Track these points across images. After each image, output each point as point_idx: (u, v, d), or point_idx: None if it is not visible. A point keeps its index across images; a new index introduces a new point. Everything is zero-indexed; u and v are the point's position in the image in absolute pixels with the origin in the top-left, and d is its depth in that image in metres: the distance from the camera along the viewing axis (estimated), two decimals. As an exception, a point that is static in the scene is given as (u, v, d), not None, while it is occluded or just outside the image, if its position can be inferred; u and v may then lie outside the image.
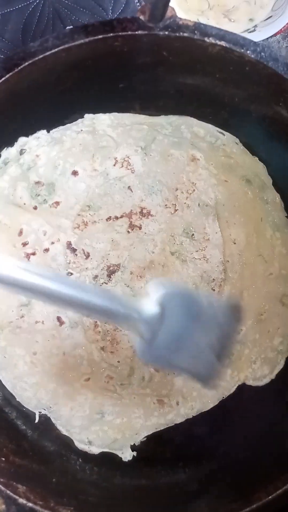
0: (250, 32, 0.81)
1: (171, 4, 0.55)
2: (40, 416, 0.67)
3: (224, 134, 0.70)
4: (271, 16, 0.82)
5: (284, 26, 0.79)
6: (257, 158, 0.71)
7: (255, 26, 0.83)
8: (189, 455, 0.68)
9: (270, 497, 0.54)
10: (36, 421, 0.67)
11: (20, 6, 0.83)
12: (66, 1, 0.84)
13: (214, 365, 0.59)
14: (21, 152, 0.68)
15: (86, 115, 0.68)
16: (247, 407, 0.70)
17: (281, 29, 0.79)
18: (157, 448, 0.68)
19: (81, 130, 0.69)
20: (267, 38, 0.80)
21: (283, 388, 0.70)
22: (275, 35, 0.80)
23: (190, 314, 0.56)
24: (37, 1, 0.84)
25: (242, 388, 0.71)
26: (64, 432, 0.67)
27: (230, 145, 0.71)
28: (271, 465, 0.59)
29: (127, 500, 0.64)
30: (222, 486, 0.62)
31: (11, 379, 0.67)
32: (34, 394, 0.67)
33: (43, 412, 0.67)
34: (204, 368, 0.59)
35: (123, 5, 0.84)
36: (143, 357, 0.56)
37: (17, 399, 0.67)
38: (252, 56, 0.57)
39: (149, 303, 0.52)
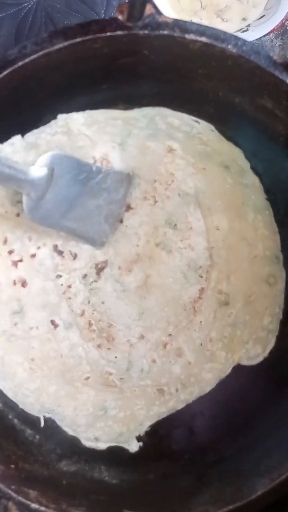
0: (243, 31, 0.82)
1: (163, 4, 0.55)
2: (45, 420, 0.69)
3: (199, 123, 0.71)
4: (264, 15, 0.83)
5: (277, 24, 0.80)
6: (231, 143, 0.72)
7: (248, 25, 0.83)
8: (194, 448, 0.71)
9: (274, 484, 0.57)
10: (42, 425, 0.68)
11: (12, 11, 0.83)
12: (59, 6, 0.84)
13: (102, 226, 0.69)
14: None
15: (59, 116, 0.67)
16: (244, 387, 0.73)
17: (274, 27, 0.80)
18: (163, 442, 0.71)
19: (56, 132, 0.68)
20: (260, 37, 0.81)
21: (276, 363, 0.73)
22: (268, 34, 0.81)
23: (79, 179, 0.64)
24: (29, 6, 0.84)
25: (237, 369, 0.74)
26: (71, 433, 0.69)
27: (206, 133, 0.72)
28: (274, 452, 0.62)
29: (137, 495, 0.66)
30: (227, 476, 0.65)
31: (12, 388, 0.68)
32: (36, 399, 0.69)
33: (47, 415, 0.69)
34: (93, 229, 0.69)
35: (116, 9, 0.83)
36: (30, 215, 0.63)
37: (20, 407, 0.68)
38: (234, 50, 0.57)
39: (36, 166, 0.59)
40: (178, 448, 0.71)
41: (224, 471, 0.65)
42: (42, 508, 0.55)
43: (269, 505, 0.56)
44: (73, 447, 0.69)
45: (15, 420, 0.68)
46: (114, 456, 0.69)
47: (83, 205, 0.66)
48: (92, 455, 0.69)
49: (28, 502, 0.54)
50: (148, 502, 0.64)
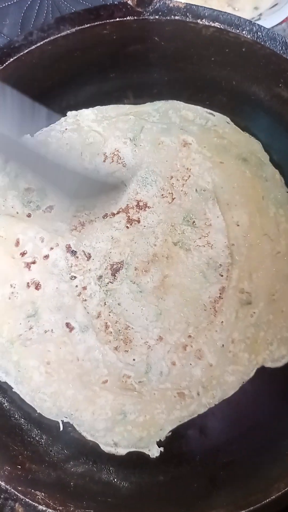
0: (255, 21, 0.80)
1: None
2: (51, 420, 0.68)
3: (214, 115, 0.69)
4: (276, 4, 0.82)
5: None
6: (248, 135, 0.70)
7: (260, 14, 0.82)
8: (205, 449, 0.69)
9: None
10: (61, 429, 0.68)
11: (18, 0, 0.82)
12: None
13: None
14: (6, 160, 0.67)
15: (69, 113, 0.67)
16: (257, 388, 0.71)
17: (287, 16, 0.79)
18: (173, 443, 0.70)
19: (66, 129, 0.68)
20: (273, 26, 0.79)
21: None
22: (281, 23, 0.80)
23: None
24: None
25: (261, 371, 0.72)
26: (89, 438, 0.68)
27: (221, 126, 0.70)
28: None
29: (146, 498, 0.66)
30: (240, 479, 0.63)
31: (29, 392, 0.68)
32: (54, 404, 0.68)
33: (65, 420, 0.68)
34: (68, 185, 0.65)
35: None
36: None
37: (37, 411, 0.68)
38: (248, 36, 0.56)
39: None
40: (188, 450, 0.69)
41: (236, 474, 0.64)
42: (50, 510, 0.55)
43: (283, 510, 0.54)
44: (80, 448, 0.68)
45: (22, 420, 0.68)
46: (123, 457, 0.69)
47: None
48: (100, 456, 0.68)
49: (35, 504, 0.54)
50: (158, 505, 0.63)
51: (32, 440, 0.67)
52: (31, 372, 0.68)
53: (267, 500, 0.57)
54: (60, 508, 0.56)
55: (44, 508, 0.55)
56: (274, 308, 0.72)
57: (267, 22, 0.79)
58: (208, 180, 0.71)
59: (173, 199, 0.71)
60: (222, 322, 0.72)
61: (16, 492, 0.54)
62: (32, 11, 0.82)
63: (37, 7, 0.82)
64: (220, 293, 0.72)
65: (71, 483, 0.63)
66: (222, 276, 0.72)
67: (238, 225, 0.72)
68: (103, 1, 0.81)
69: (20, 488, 0.55)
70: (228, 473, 0.65)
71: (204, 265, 0.72)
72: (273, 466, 0.62)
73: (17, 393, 0.68)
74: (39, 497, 0.56)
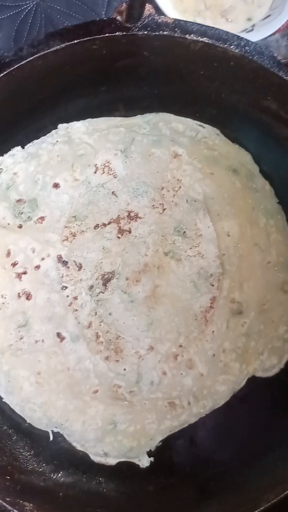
0: (248, 31, 0.82)
1: (166, 5, 0.54)
2: (41, 430, 0.69)
3: (204, 127, 0.70)
4: (269, 15, 0.83)
5: (283, 24, 0.80)
6: (238, 146, 0.71)
7: (253, 25, 0.84)
8: (195, 459, 0.69)
9: (278, 498, 0.56)
10: (51, 439, 0.69)
11: (11, 13, 0.84)
12: (58, 7, 0.84)
13: None
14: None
15: (60, 125, 0.68)
16: (248, 398, 0.71)
17: (279, 27, 0.80)
18: (163, 453, 0.70)
19: (57, 141, 0.69)
20: (266, 38, 0.80)
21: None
22: (273, 34, 0.81)
23: None
24: (29, 7, 0.84)
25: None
26: (79, 448, 0.69)
27: (211, 137, 0.71)
28: (278, 465, 0.61)
29: (135, 508, 0.66)
30: (230, 489, 0.64)
31: (19, 402, 0.69)
32: (44, 414, 0.69)
33: (56, 430, 0.69)
34: None
35: (115, 9, 0.84)
36: None
37: (27, 421, 0.68)
38: (236, 50, 0.57)
39: None
40: (179, 460, 0.70)
41: (226, 485, 0.65)
42: (38, 521, 0.55)
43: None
44: (70, 458, 0.69)
45: (11, 430, 0.68)
46: (113, 467, 0.69)
47: None
48: (90, 466, 0.69)
49: (24, 515, 0.55)
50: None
51: (21, 450, 0.67)
52: (22, 382, 0.69)
53: (256, 511, 0.57)
54: (49, 519, 0.57)
55: (32, 519, 0.56)
56: (264, 318, 0.72)
57: (260, 33, 0.80)
58: (198, 191, 0.72)
59: (164, 209, 0.72)
60: (213, 331, 0.72)
61: (4, 503, 0.55)
62: (25, 24, 0.83)
63: (30, 21, 0.84)
64: (211, 303, 0.72)
65: (60, 494, 0.63)
66: (213, 286, 0.72)
67: (228, 235, 0.72)
68: (95, 14, 0.83)
69: (8, 499, 0.56)
70: (217, 484, 0.66)
71: (195, 275, 0.72)
72: (262, 477, 0.62)
73: (7, 403, 0.69)
74: (28, 508, 0.56)
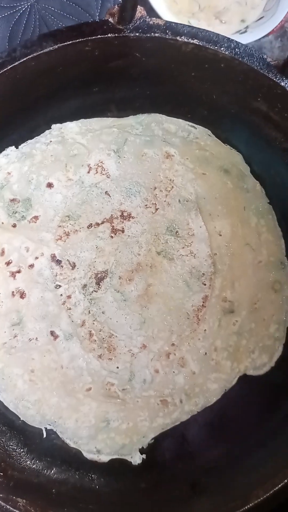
0: (242, 33, 0.83)
1: (160, 6, 0.55)
2: (34, 427, 0.69)
3: (195, 128, 0.71)
4: (262, 17, 0.84)
5: (276, 26, 0.81)
6: (229, 147, 0.72)
7: (247, 27, 0.85)
8: (186, 456, 0.70)
9: (267, 494, 0.57)
10: (44, 436, 0.69)
11: (5, 14, 0.84)
12: (53, 8, 0.85)
13: None
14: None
15: (54, 126, 0.69)
16: (239, 395, 0.72)
17: (273, 29, 0.81)
18: (155, 450, 0.71)
19: (50, 141, 0.70)
20: (259, 39, 0.81)
21: (282, 374, 0.72)
22: (267, 35, 0.82)
23: None
24: (23, 9, 0.85)
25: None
26: (72, 445, 0.70)
27: (203, 138, 0.72)
28: (268, 462, 0.62)
29: (127, 504, 0.67)
30: (220, 485, 0.65)
31: (13, 400, 0.70)
32: (37, 411, 0.70)
33: (49, 427, 0.70)
34: None
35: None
36: None
37: (21, 419, 0.69)
38: (226, 52, 0.58)
39: None
40: (170, 457, 0.71)
41: (217, 481, 0.65)
42: (31, 517, 0.55)
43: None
44: (63, 455, 0.69)
45: (5, 427, 0.69)
46: (106, 464, 0.70)
47: None
48: (83, 463, 0.69)
49: (16, 511, 0.55)
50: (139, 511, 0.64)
51: (15, 447, 0.68)
52: (15, 380, 0.70)
53: (246, 507, 0.58)
54: (41, 514, 0.58)
55: (25, 515, 0.56)
56: (256, 317, 0.73)
57: (254, 35, 0.81)
58: (190, 191, 0.73)
59: (156, 209, 0.73)
60: (205, 330, 0.73)
61: (-3, 499, 0.55)
62: (20, 25, 0.84)
63: (24, 22, 0.84)
64: (203, 302, 0.73)
65: (53, 490, 0.64)
66: (205, 285, 0.73)
67: (220, 235, 0.73)
68: (90, 16, 0.84)
69: (1, 495, 0.57)
70: (209, 480, 0.67)
71: (187, 274, 0.73)
72: (252, 473, 0.63)
73: (0, 401, 0.69)
74: (21, 504, 0.57)
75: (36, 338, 0.70)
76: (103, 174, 0.72)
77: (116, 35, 0.57)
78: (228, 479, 0.65)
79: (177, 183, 0.73)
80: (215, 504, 0.61)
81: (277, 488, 0.57)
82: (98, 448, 0.70)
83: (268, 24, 0.81)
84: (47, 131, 0.69)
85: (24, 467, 0.65)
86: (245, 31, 0.83)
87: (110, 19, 0.56)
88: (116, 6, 0.57)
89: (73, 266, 0.72)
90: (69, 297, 0.71)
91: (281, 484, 0.58)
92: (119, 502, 0.66)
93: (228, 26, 0.84)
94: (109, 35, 0.57)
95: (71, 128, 0.70)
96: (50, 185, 0.71)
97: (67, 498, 0.64)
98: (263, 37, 0.82)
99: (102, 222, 0.72)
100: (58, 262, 0.71)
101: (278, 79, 0.57)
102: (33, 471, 0.65)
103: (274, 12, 0.81)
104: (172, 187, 0.73)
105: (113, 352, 0.72)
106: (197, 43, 0.58)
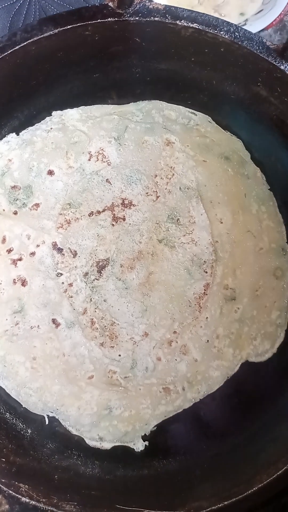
0: (241, 26, 0.82)
1: None
2: (37, 414, 0.70)
3: (196, 114, 0.72)
4: (261, 10, 0.84)
5: (275, 19, 0.81)
6: (230, 133, 0.73)
7: (246, 20, 0.85)
8: (190, 443, 0.71)
9: (271, 478, 0.57)
10: (46, 423, 0.69)
11: (6, 4, 0.85)
12: None
13: None
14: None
15: (54, 112, 0.69)
16: (250, 385, 0.72)
17: (272, 22, 0.81)
18: (158, 437, 0.71)
19: (51, 128, 0.70)
20: (259, 32, 0.82)
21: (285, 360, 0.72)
22: (266, 28, 0.82)
23: None
24: None
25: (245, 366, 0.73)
26: (74, 432, 0.70)
27: (203, 125, 0.72)
28: (271, 446, 0.62)
29: (130, 491, 0.67)
30: (224, 470, 0.65)
31: (15, 387, 0.70)
32: (39, 399, 0.70)
33: (51, 414, 0.70)
34: None
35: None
36: None
37: (23, 406, 0.69)
38: (226, 36, 0.58)
39: None
40: (173, 444, 0.71)
41: (219, 467, 0.66)
42: (33, 502, 0.56)
43: (265, 501, 0.55)
44: (65, 442, 0.70)
45: (7, 414, 0.69)
46: (108, 451, 0.70)
47: None
48: (85, 450, 0.70)
49: (19, 496, 0.56)
50: (142, 498, 0.64)
51: (17, 434, 0.68)
52: (17, 367, 0.70)
53: (250, 491, 0.58)
54: (44, 500, 0.58)
55: (27, 500, 0.57)
56: (257, 304, 0.74)
57: (253, 28, 0.82)
58: (191, 179, 0.73)
59: (157, 197, 0.73)
60: (207, 318, 0.73)
61: (-1, 485, 0.56)
62: (20, 15, 0.85)
63: (24, 12, 0.85)
64: (205, 290, 0.74)
65: (56, 476, 0.64)
66: (206, 272, 0.74)
67: (221, 222, 0.74)
68: (89, 5, 0.84)
69: (4, 480, 0.57)
70: (211, 466, 0.67)
71: (189, 262, 0.73)
72: (255, 458, 0.63)
73: (2, 388, 0.70)
74: (23, 489, 0.57)
75: (38, 326, 0.71)
76: (104, 162, 0.72)
77: (116, 19, 0.57)
78: (230, 465, 0.65)
79: (177, 170, 0.73)
80: (218, 489, 0.61)
81: (280, 472, 0.58)
82: (100, 435, 0.70)
83: (267, 17, 0.82)
84: (47, 118, 0.69)
85: (26, 454, 0.65)
86: (245, 24, 0.84)
87: (110, 3, 0.57)
88: (116, -10, 0.57)
89: (75, 254, 0.72)
90: (70, 285, 0.72)
91: (284, 468, 0.58)
92: (121, 488, 0.67)
93: (228, 19, 0.83)
94: (108, 19, 0.57)
95: (72, 115, 0.70)
96: (51, 173, 0.71)
97: (70, 484, 0.64)
98: (262, 30, 0.82)
99: (103, 210, 0.73)
100: (60, 250, 0.72)
101: (278, 63, 0.58)
102: (35, 458, 0.66)
103: (273, 5, 0.82)
104: (173, 174, 0.73)
105: (115, 340, 0.72)
106: (197, 27, 0.58)
